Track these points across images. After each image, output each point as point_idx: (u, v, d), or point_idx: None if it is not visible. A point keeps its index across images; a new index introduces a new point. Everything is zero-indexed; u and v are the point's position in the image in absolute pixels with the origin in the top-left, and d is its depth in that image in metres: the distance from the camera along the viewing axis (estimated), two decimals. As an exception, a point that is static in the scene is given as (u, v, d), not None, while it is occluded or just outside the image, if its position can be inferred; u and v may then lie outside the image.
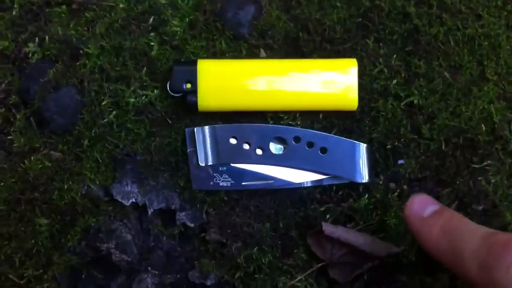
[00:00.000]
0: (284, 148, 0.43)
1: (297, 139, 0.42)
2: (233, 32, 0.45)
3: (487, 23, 0.45)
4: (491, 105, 0.44)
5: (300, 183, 0.43)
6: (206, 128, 0.43)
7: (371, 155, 0.44)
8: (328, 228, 0.42)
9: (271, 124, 0.45)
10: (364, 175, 0.43)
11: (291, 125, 0.45)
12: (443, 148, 0.44)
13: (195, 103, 0.43)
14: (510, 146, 0.44)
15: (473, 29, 0.45)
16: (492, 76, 0.45)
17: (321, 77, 0.43)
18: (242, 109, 0.44)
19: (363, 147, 0.43)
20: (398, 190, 0.45)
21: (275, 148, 0.43)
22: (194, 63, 0.43)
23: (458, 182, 0.44)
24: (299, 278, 0.45)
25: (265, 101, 0.43)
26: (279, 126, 0.43)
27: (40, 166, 0.45)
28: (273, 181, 0.43)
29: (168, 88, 0.43)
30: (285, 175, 0.43)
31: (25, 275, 0.45)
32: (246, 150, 0.43)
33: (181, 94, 0.43)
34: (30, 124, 0.45)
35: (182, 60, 0.45)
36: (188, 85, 0.43)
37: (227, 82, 0.43)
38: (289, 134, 0.42)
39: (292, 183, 0.43)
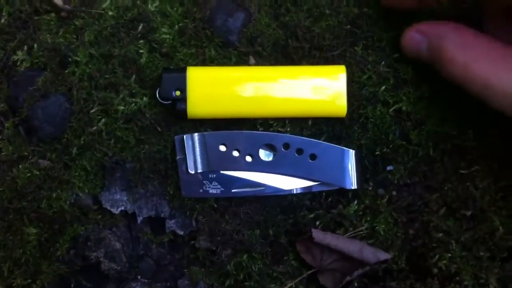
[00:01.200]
0: (274, 155, 0.43)
1: (286, 145, 0.43)
2: (223, 39, 0.45)
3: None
4: (479, 110, 0.44)
5: (290, 190, 0.43)
6: (196, 135, 0.43)
7: (360, 161, 0.44)
8: (318, 234, 0.42)
9: (261, 130, 0.45)
10: (353, 182, 0.43)
11: (280, 131, 0.45)
12: (431, 153, 0.45)
13: (185, 110, 0.43)
14: (498, 151, 0.44)
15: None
16: (479, 82, 0.45)
17: (310, 84, 0.43)
18: (232, 116, 0.44)
19: (352, 153, 0.43)
20: (387, 196, 0.45)
21: (264, 155, 0.43)
22: (184, 71, 0.43)
23: (446, 188, 0.45)
24: (289, 285, 0.45)
25: (254, 108, 0.43)
26: (269, 133, 0.44)
27: (28, 174, 0.44)
28: (263, 188, 0.43)
29: (157, 96, 0.43)
30: (274, 182, 0.43)
31: (13, 284, 0.45)
32: (235, 157, 0.43)
33: (170, 101, 0.43)
34: (18, 132, 0.45)
35: (172, 67, 0.45)
36: (178, 93, 0.43)
37: (216, 89, 0.43)
38: (278, 141, 0.43)
39: (282, 190, 0.43)
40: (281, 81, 0.43)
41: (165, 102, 0.44)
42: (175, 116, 0.44)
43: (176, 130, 0.45)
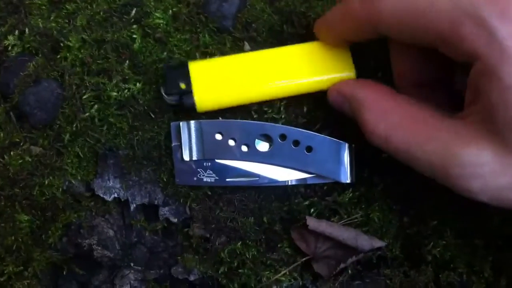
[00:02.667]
0: (270, 145, 0.42)
1: (283, 137, 0.42)
2: (217, 24, 0.45)
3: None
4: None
5: (285, 181, 0.43)
6: (192, 122, 0.42)
7: (355, 149, 0.44)
8: (312, 222, 0.42)
9: (255, 118, 0.44)
10: (348, 176, 0.43)
11: (275, 119, 0.44)
12: (427, 141, 0.44)
13: (193, 105, 0.42)
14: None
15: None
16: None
17: (316, 59, 0.42)
18: (241, 103, 0.43)
19: (349, 147, 0.43)
20: (382, 184, 0.45)
21: (260, 145, 0.42)
22: (185, 65, 0.42)
23: (442, 175, 0.44)
24: (283, 272, 0.44)
25: (263, 91, 0.42)
26: (265, 123, 0.43)
27: (20, 161, 0.44)
28: (257, 178, 0.43)
29: (163, 94, 0.42)
30: (269, 172, 0.43)
31: (5, 271, 0.44)
32: (231, 146, 0.42)
33: (177, 97, 0.42)
34: (9, 118, 0.44)
35: (171, 63, 0.44)
36: (183, 86, 0.42)
37: (221, 79, 0.42)
38: (275, 132, 0.42)
39: (277, 181, 0.43)
40: (286, 61, 0.42)
41: (172, 99, 0.42)
42: (184, 111, 0.43)
43: (170, 117, 0.44)
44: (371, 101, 0.37)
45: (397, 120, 0.35)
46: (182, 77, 0.42)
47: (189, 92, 0.41)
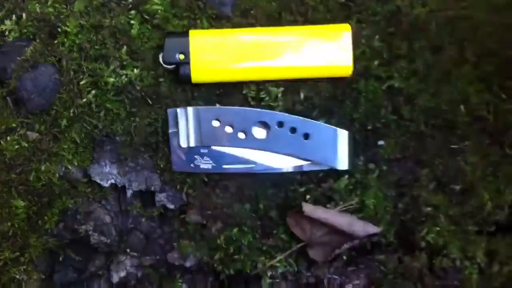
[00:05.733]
0: (267, 132, 0.42)
1: (280, 124, 0.42)
2: (216, 11, 0.45)
3: (468, 4, 0.45)
4: (470, 86, 0.45)
5: (281, 168, 0.43)
6: (190, 109, 0.42)
7: (351, 137, 0.44)
8: (308, 208, 0.42)
9: (253, 105, 0.44)
10: (345, 162, 0.43)
11: (272, 106, 0.44)
12: (423, 129, 0.45)
13: (189, 75, 0.42)
14: (488, 127, 0.45)
15: (454, 11, 0.45)
16: (471, 57, 0.45)
17: (314, 44, 0.43)
18: (236, 80, 0.43)
19: (345, 134, 0.43)
20: (377, 171, 0.45)
21: (257, 132, 0.43)
22: (186, 34, 0.42)
23: (437, 162, 0.45)
24: (278, 258, 0.45)
25: (259, 70, 0.43)
26: (263, 110, 0.43)
27: (16, 146, 0.44)
28: (254, 165, 0.43)
29: (160, 60, 0.43)
30: (266, 159, 0.43)
31: (1, 257, 0.45)
32: (228, 133, 0.42)
33: (174, 66, 0.43)
34: (6, 103, 0.44)
35: (174, 31, 0.44)
36: (181, 56, 0.42)
37: (220, 52, 0.42)
38: (272, 119, 0.42)
39: (273, 168, 0.43)
40: (286, 42, 0.42)
41: (168, 67, 0.43)
42: (179, 81, 0.43)
43: (168, 103, 0.44)
44: None
45: None
46: (182, 47, 0.42)
47: (186, 63, 0.42)
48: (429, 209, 0.44)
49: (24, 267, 0.45)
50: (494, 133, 0.44)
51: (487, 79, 0.45)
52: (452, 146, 0.45)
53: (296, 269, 0.45)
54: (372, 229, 0.43)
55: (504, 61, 0.44)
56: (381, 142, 0.45)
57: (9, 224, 0.44)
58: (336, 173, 0.45)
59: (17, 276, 0.45)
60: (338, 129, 0.43)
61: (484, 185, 0.44)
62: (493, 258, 0.44)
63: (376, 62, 0.45)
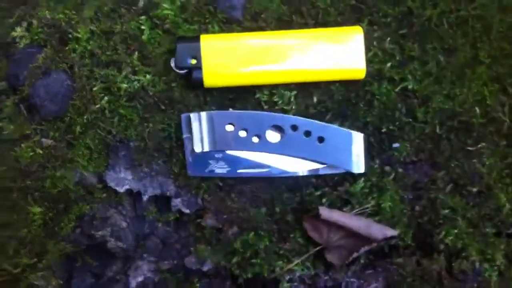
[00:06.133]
0: (281, 136, 0.42)
1: (294, 127, 0.42)
2: (226, 15, 0.44)
3: (479, 5, 0.45)
4: (485, 87, 0.44)
5: (296, 172, 0.43)
6: (203, 113, 0.42)
7: (366, 140, 0.44)
8: (325, 212, 0.42)
9: (266, 109, 0.44)
10: (360, 166, 0.43)
11: (285, 110, 0.44)
12: (438, 131, 0.45)
13: (201, 79, 0.42)
14: (504, 128, 0.44)
15: (466, 12, 0.45)
16: (485, 59, 0.45)
17: (327, 47, 0.42)
18: (249, 84, 0.43)
19: (360, 137, 0.43)
20: (393, 174, 0.45)
21: (271, 136, 0.42)
22: (197, 39, 0.42)
23: (453, 165, 0.45)
24: (296, 262, 0.45)
25: (271, 74, 0.43)
26: (276, 114, 0.43)
27: (31, 153, 0.44)
28: (268, 169, 0.43)
29: (172, 65, 0.43)
30: (281, 163, 0.43)
31: (19, 263, 0.45)
32: (242, 137, 0.42)
33: (186, 70, 0.43)
34: (19, 110, 0.44)
35: (185, 36, 0.44)
36: (193, 61, 0.42)
37: (231, 56, 0.42)
38: (286, 123, 0.42)
39: (288, 172, 0.43)
40: (297, 45, 0.42)
41: (180, 72, 0.43)
42: (192, 85, 0.43)
43: (180, 108, 0.44)
44: None
45: None
46: (193, 52, 0.42)
47: (198, 67, 0.42)
48: (446, 211, 0.45)
49: (42, 273, 0.45)
50: (509, 134, 0.44)
51: (502, 80, 0.45)
52: (468, 148, 0.45)
53: (313, 272, 0.45)
54: (390, 232, 0.43)
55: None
56: (396, 145, 0.45)
57: (26, 230, 0.45)
58: (352, 176, 0.45)
59: (35, 282, 0.45)
60: (353, 132, 0.43)
61: (501, 187, 0.44)
62: (512, 260, 0.44)
63: (389, 64, 0.44)
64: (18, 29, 0.44)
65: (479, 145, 0.44)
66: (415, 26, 0.44)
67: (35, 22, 0.44)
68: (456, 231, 0.44)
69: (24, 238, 0.45)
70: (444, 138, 0.45)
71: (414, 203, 0.45)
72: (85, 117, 0.44)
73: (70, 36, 0.44)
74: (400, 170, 0.45)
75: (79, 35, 0.44)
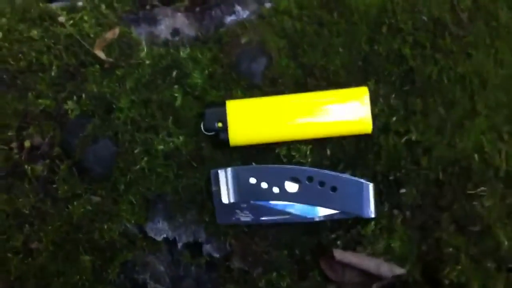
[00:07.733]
0: (299, 186, 0.48)
1: (310, 178, 0.47)
2: (248, 81, 0.50)
3: (476, 61, 0.49)
4: (483, 136, 0.49)
5: (313, 217, 0.48)
6: (229, 169, 0.48)
7: (375, 186, 0.48)
8: (338, 254, 0.47)
9: (285, 162, 0.49)
10: (371, 211, 0.47)
11: (302, 162, 0.49)
12: (441, 177, 0.49)
13: (227, 139, 0.48)
14: (501, 172, 0.48)
15: (464, 68, 0.49)
16: (482, 110, 0.49)
17: (338, 106, 0.48)
18: (269, 141, 0.49)
19: (369, 186, 0.47)
20: (401, 216, 0.49)
21: (290, 186, 0.48)
22: (223, 105, 0.48)
23: (455, 207, 0.49)
24: (315, 299, 0.49)
25: (289, 132, 0.48)
26: (294, 167, 0.48)
27: (82, 209, 0.50)
28: (288, 216, 0.48)
29: (202, 129, 0.49)
30: (299, 210, 0.48)
31: (72, 306, 0.50)
32: (264, 188, 0.48)
33: (213, 132, 0.49)
34: (72, 173, 0.50)
35: (212, 102, 0.50)
36: (220, 124, 0.48)
37: (254, 118, 0.48)
38: (303, 174, 0.47)
39: (306, 218, 0.48)
40: (311, 106, 0.48)
41: (209, 134, 0.49)
42: (219, 145, 0.49)
43: (210, 165, 0.50)
44: None
45: None
46: (220, 116, 0.48)
47: (224, 129, 0.47)
48: (450, 249, 0.48)
49: (93, 314, 0.51)
50: (507, 178, 0.48)
51: (498, 128, 0.49)
52: (468, 192, 0.48)
53: (331, 308, 0.49)
54: (398, 270, 0.47)
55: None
56: (403, 190, 0.49)
57: (78, 277, 0.50)
58: (363, 219, 0.49)
59: (87, 323, 0.51)
60: (362, 181, 0.47)
61: (500, 226, 0.48)
62: (512, 292, 0.47)
63: (394, 118, 0.49)
64: (70, 102, 0.51)
65: (479, 189, 0.48)
66: (417, 83, 0.49)
67: (84, 95, 0.51)
68: (459, 267, 0.48)
69: (76, 283, 0.50)
70: (446, 183, 0.49)
71: (421, 242, 0.49)
72: (128, 176, 0.50)
73: (114, 106, 0.50)
74: (407, 213, 0.49)
75: (122, 105, 0.50)
